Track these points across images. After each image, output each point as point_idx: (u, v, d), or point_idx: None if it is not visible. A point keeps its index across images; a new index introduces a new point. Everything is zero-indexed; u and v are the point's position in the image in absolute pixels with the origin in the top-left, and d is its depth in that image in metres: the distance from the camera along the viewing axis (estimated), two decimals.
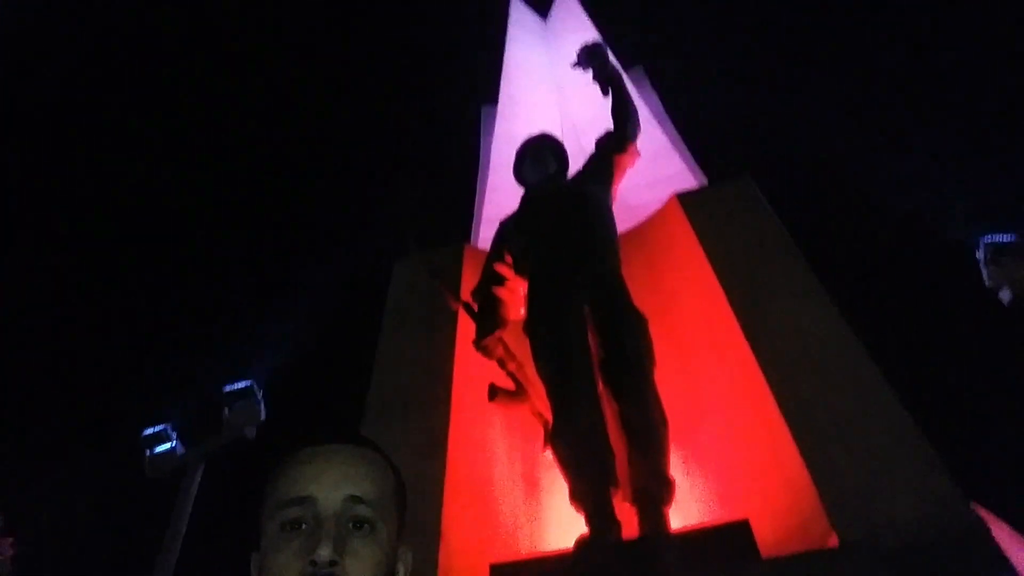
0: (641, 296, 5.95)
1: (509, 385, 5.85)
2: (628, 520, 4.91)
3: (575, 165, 7.02)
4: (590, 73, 7.32)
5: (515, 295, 6.24)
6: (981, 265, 9.11)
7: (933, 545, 4.00)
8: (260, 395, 10.38)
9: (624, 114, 6.98)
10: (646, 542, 4.70)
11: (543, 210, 6.48)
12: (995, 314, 9.21)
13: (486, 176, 9.99)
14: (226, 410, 10.22)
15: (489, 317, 6.07)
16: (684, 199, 7.21)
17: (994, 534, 4.13)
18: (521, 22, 12.19)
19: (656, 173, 8.45)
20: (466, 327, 6.37)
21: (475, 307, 6.18)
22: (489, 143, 10.56)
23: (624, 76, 7.61)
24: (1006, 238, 9.07)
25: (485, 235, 8.46)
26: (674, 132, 10.02)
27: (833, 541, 4.27)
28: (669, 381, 5.64)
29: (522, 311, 6.16)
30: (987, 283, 9.09)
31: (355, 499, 1.55)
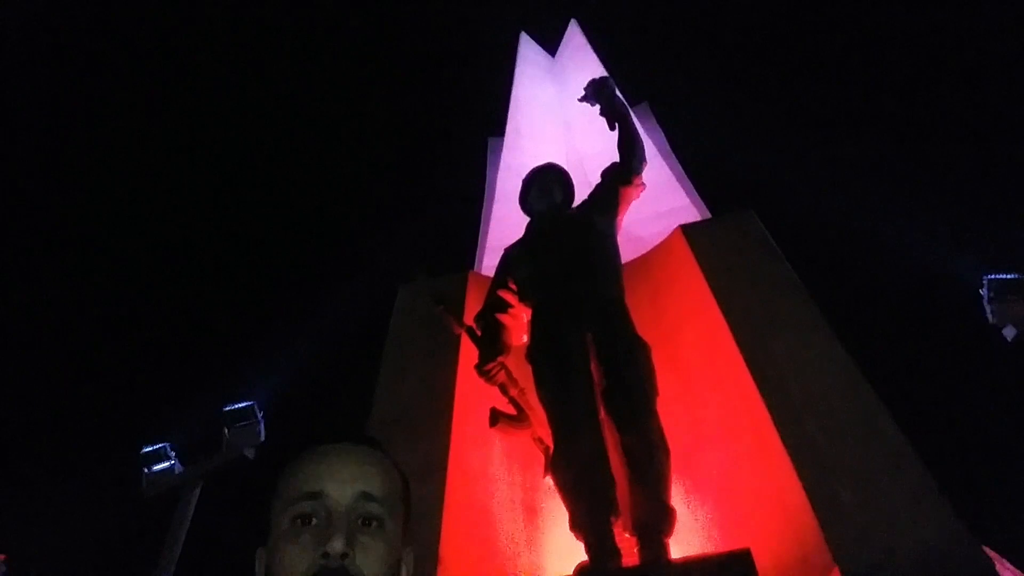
0: (644, 325, 5.97)
1: (511, 411, 5.83)
2: (628, 549, 4.89)
3: (580, 198, 7.09)
4: (597, 108, 7.41)
5: (518, 321, 6.26)
6: (985, 303, 9.13)
7: None
8: (260, 416, 10.34)
9: (630, 147, 7.05)
10: (646, 571, 4.67)
11: (548, 238, 6.53)
12: (999, 351, 9.20)
13: (491, 206, 10.07)
14: (226, 430, 10.18)
15: (492, 343, 6.08)
16: (688, 231, 7.25)
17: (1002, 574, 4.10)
18: (529, 57, 12.36)
19: (660, 206, 8.52)
20: (468, 352, 6.38)
21: (478, 332, 6.19)
22: (495, 174, 10.66)
23: (630, 111, 7.69)
24: (1010, 276, 9.10)
25: (488, 263, 8.51)
26: (678, 167, 10.12)
27: (835, 574, 4.23)
28: (671, 410, 5.64)
29: (525, 338, 6.18)
30: (991, 320, 9.10)
31: (366, 496, 1.58)
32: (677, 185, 9.49)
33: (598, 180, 7.13)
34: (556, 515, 5.66)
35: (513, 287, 6.37)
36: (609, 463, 5.20)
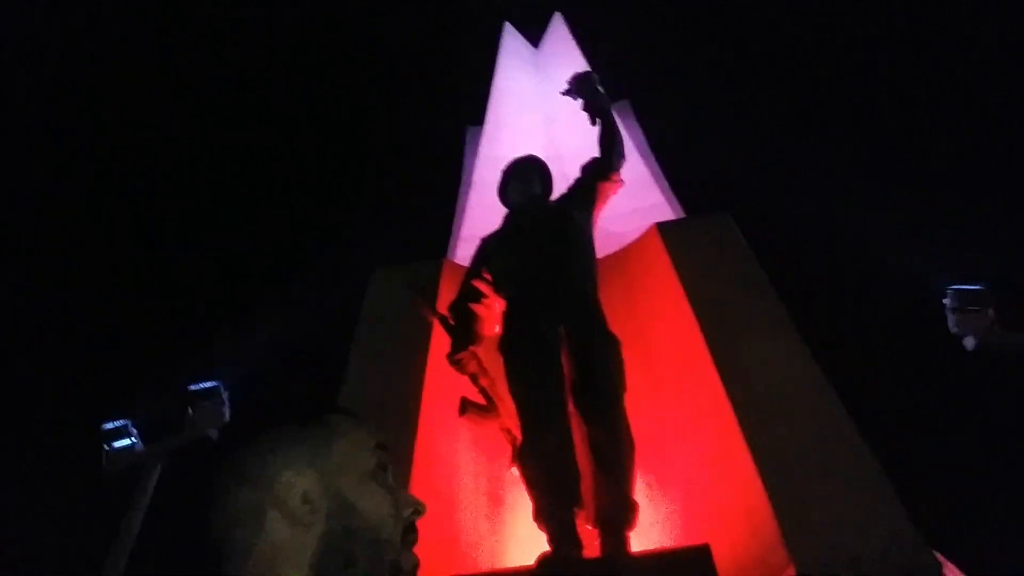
0: (617, 321, 6.02)
1: (480, 401, 5.85)
2: (590, 541, 4.96)
3: (558, 192, 7.11)
4: (579, 102, 7.42)
5: (492, 312, 6.27)
6: (948, 312, 9.33)
7: None
8: (226, 396, 10.26)
9: (610, 143, 7.07)
10: (606, 562, 4.74)
11: (525, 230, 6.55)
12: (960, 360, 9.41)
13: (467, 195, 10.06)
14: (190, 409, 10.08)
15: (465, 332, 6.08)
16: (664, 229, 7.32)
17: None
18: (512, 48, 12.33)
19: (637, 204, 8.58)
20: (440, 341, 6.38)
21: (451, 321, 6.19)
22: (472, 163, 10.64)
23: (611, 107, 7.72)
24: (973, 287, 9.31)
25: (463, 253, 8.51)
26: (656, 166, 10.19)
27: (790, 573, 4.32)
28: (639, 406, 5.71)
29: (497, 328, 6.20)
30: (952, 330, 9.31)
31: None
32: (654, 183, 9.56)
33: (577, 174, 7.15)
34: (520, 506, 5.70)
35: (488, 277, 6.38)
36: (575, 456, 5.25)
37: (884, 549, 4.33)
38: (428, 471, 5.82)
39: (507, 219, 6.92)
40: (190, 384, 10.26)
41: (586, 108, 7.30)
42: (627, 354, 5.75)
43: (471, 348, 5.96)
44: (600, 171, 6.95)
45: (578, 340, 5.69)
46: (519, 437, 5.51)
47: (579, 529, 5.00)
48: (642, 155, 10.02)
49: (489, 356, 6.00)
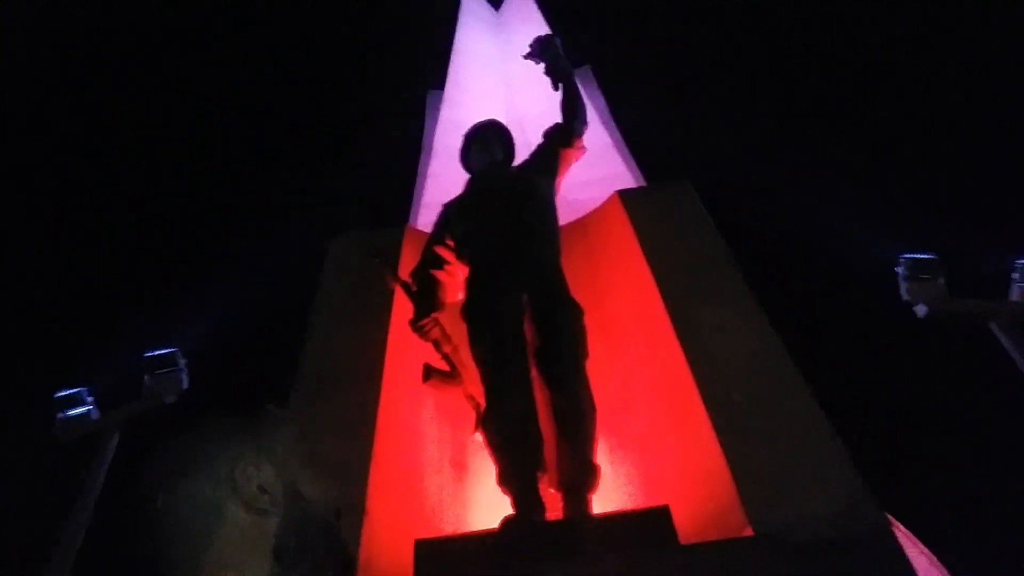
0: (578, 288, 6.05)
1: (443, 367, 5.86)
2: (553, 504, 5.04)
3: (520, 158, 7.06)
4: (541, 66, 7.33)
5: (454, 278, 6.24)
6: (900, 280, 9.56)
7: (840, 542, 4.20)
8: (183, 363, 10.10)
9: (573, 108, 7.00)
10: (569, 524, 4.82)
11: (487, 196, 6.50)
12: (911, 327, 9.66)
13: (428, 161, 9.96)
14: (146, 377, 9.91)
15: (427, 298, 6.06)
16: (625, 197, 7.34)
17: (899, 538, 4.38)
18: (473, 10, 12.18)
19: (598, 172, 8.59)
20: (402, 308, 6.35)
21: (413, 287, 6.16)
22: (433, 128, 10.53)
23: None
24: (925, 256, 9.55)
25: (424, 220, 8.45)
26: (617, 134, 10.18)
27: (748, 532, 4.44)
28: (600, 372, 5.77)
29: (460, 295, 6.18)
30: (904, 297, 9.55)
31: None
32: (615, 152, 9.57)
33: (538, 140, 7.10)
34: (484, 471, 5.75)
35: (450, 244, 6.34)
36: (538, 421, 5.30)
37: (837, 510, 4.47)
38: (392, 438, 5.83)
39: (469, 184, 6.86)
40: (146, 351, 10.08)
41: (548, 72, 7.22)
42: (589, 321, 5.78)
43: (434, 315, 5.95)
44: (563, 137, 6.89)
45: (540, 307, 5.71)
46: (482, 403, 5.54)
47: (542, 493, 5.08)
48: (604, 123, 10.01)
49: (452, 322, 6.00)
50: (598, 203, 7.71)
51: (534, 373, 5.48)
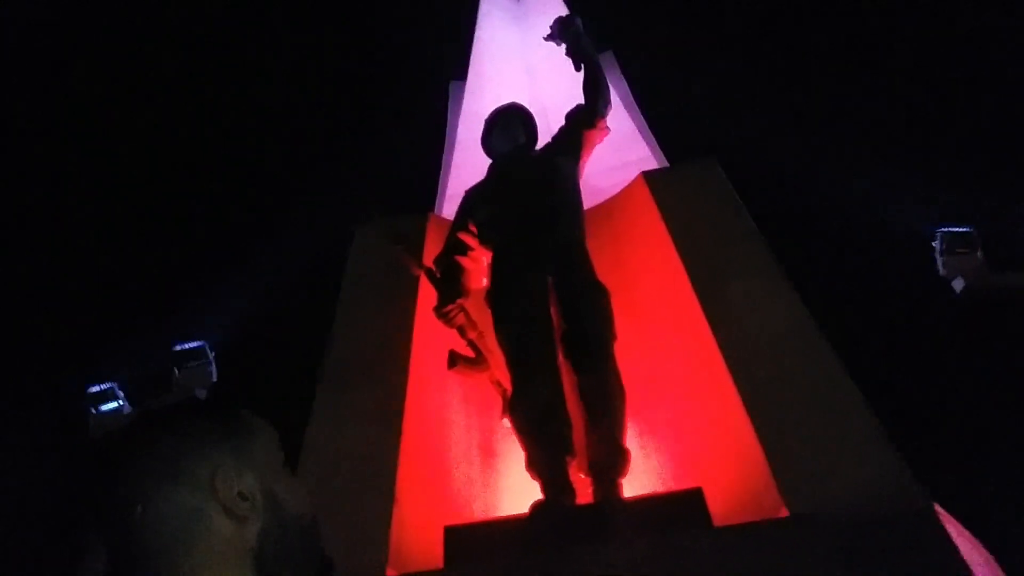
0: (605, 271, 5.98)
1: (469, 354, 5.82)
2: (583, 488, 5.00)
3: (543, 143, 6.99)
4: (562, 49, 7.25)
5: (479, 264, 6.21)
6: (936, 255, 9.35)
7: (879, 521, 4.08)
8: (212, 356, 10.19)
9: (595, 90, 6.93)
10: (599, 508, 4.77)
11: (510, 180, 6.45)
12: (948, 303, 9.46)
13: (452, 151, 9.93)
14: (176, 370, 10.02)
15: (451, 285, 6.03)
16: (650, 177, 7.23)
17: (940, 518, 4.23)
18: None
19: (623, 157, 8.48)
20: (427, 295, 6.32)
21: (437, 274, 6.13)
22: (456, 118, 10.49)
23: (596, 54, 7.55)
24: (962, 229, 9.32)
25: (448, 210, 8.40)
26: (641, 119, 10.04)
27: (783, 513, 4.34)
28: (628, 355, 5.69)
29: (485, 281, 6.14)
30: (941, 272, 9.35)
31: None
32: (640, 136, 9.44)
33: (561, 126, 7.03)
34: (513, 457, 5.71)
35: (473, 229, 6.30)
36: (566, 405, 5.25)
37: (875, 489, 4.35)
38: (420, 425, 5.81)
39: (491, 169, 6.81)
40: (175, 344, 10.19)
41: (569, 53, 7.13)
42: (615, 302, 5.71)
43: (458, 301, 5.92)
44: (586, 118, 6.82)
45: (566, 290, 5.65)
46: (509, 389, 5.50)
47: (571, 477, 5.03)
48: (627, 108, 9.89)
49: (477, 308, 5.95)
50: (622, 188, 7.62)
51: (561, 357, 5.43)
